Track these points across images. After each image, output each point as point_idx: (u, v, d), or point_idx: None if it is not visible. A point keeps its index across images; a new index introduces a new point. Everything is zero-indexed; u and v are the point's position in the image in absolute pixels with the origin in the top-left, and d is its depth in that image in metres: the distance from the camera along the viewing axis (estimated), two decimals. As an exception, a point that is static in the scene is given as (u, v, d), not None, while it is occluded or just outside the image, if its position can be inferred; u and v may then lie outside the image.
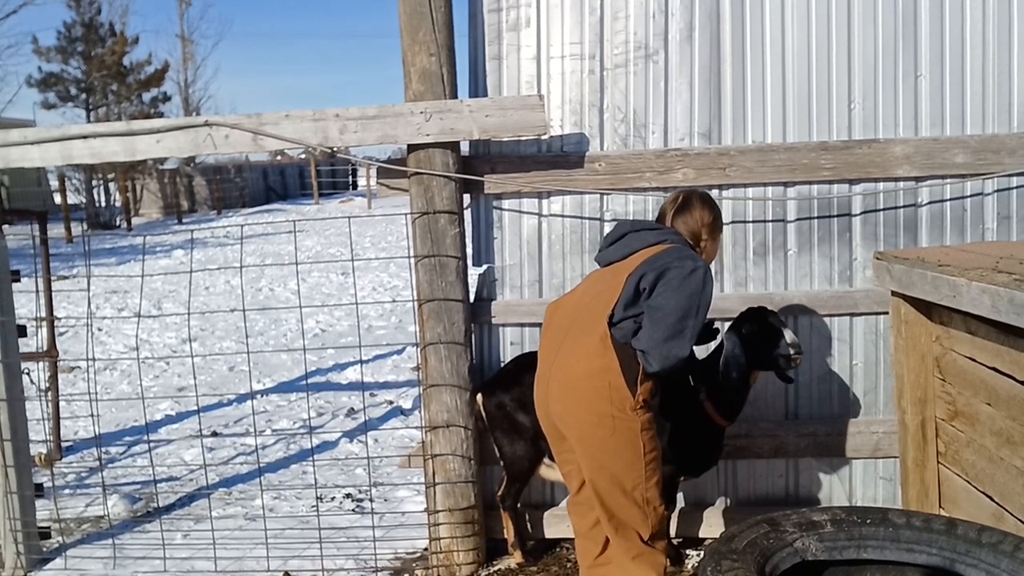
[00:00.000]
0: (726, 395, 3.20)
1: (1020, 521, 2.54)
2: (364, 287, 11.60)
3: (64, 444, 5.45)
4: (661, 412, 3.31)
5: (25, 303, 4.50)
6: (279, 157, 38.12)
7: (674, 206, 2.88)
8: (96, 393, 4.34)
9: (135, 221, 26.42)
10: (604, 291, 2.69)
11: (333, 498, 4.56)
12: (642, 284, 2.60)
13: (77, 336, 9.18)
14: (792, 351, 3.08)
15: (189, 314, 6.26)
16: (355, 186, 37.62)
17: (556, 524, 3.74)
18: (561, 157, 3.60)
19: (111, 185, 26.86)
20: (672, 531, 3.56)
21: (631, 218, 3.62)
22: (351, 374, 7.19)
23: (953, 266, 2.64)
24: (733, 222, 3.61)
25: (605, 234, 2.99)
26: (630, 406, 2.60)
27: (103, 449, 5.38)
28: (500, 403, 3.48)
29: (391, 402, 6.38)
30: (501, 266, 3.72)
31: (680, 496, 3.64)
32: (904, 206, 3.57)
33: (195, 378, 4.83)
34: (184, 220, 26.46)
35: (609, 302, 2.64)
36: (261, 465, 4.96)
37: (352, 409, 6.17)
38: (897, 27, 3.49)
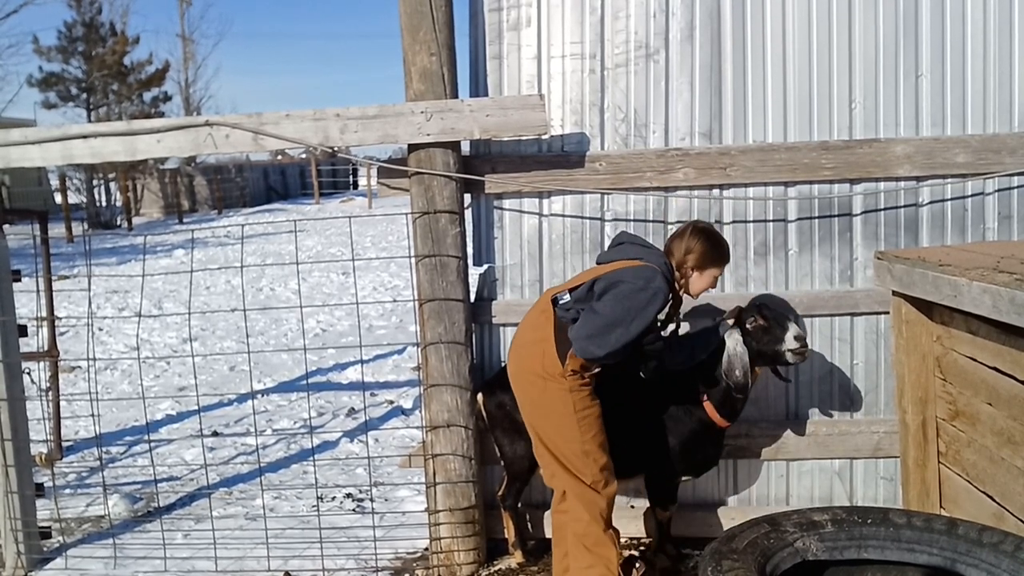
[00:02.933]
0: (731, 395, 3.18)
1: (1021, 521, 2.54)
2: (365, 287, 11.60)
3: (65, 444, 5.46)
4: (660, 413, 3.33)
5: (26, 303, 4.50)
6: (280, 157, 38.14)
7: (678, 229, 3.09)
8: (97, 393, 4.34)
9: (136, 221, 26.42)
10: (580, 279, 3.00)
11: (334, 498, 4.56)
12: (596, 286, 2.90)
13: (78, 336, 9.18)
14: (797, 344, 3.05)
15: (190, 314, 6.27)
16: (356, 186, 37.63)
17: (557, 524, 3.74)
18: (562, 157, 3.60)
19: (112, 185, 26.86)
20: (672, 531, 3.57)
21: (633, 219, 3.62)
22: (352, 374, 7.19)
23: (954, 266, 2.64)
24: (734, 222, 3.61)
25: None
26: (559, 372, 2.92)
27: (104, 449, 5.38)
28: (500, 403, 3.47)
29: (392, 402, 6.38)
30: (502, 266, 3.72)
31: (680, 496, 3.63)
32: (905, 206, 3.56)
33: (196, 378, 4.82)
34: (185, 220, 26.46)
35: (566, 289, 3.01)
36: (262, 465, 4.96)
37: (353, 409, 6.17)
38: (898, 26, 3.49)
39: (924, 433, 3.06)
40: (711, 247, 3.01)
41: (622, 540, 3.55)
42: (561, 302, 3.00)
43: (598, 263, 3.10)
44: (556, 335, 2.94)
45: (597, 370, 2.99)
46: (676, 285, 3.01)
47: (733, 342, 3.12)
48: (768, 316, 3.11)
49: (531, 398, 3.03)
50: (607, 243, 3.64)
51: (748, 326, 3.12)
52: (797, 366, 3.60)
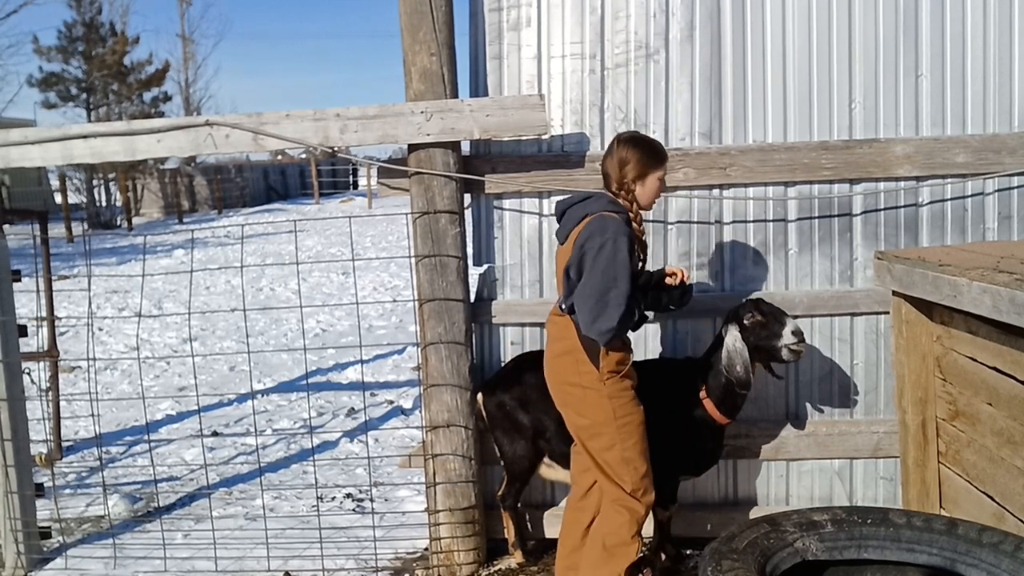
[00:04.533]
0: (732, 391, 3.19)
1: (1021, 521, 2.54)
2: (365, 287, 11.60)
3: (64, 444, 5.46)
4: (660, 411, 3.33)
5: (26, 303, 4.50)
6: (280, 157, 38.13)
7: (606, 150, 2.97)
8: (96, 393, 4.35)
9: (136, 221, 26.42)
10: (559, 277, 2.96)
11: (333, 498, 4.56)
12: (572, 273, 2.85)
13: (78, 336, 9.18)
14: (794, 340, 3.06)
15: (190, 314, 6.27)
16: (356, 186, 37.62)
17: (556, 523, 3.72)
18: (562, 157, 3.60)
19: (112, 185, 26.86)
20: (672, 531, 3.56)
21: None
22: (351, 374, 7.19)
23: (954, 266, 2.64)
24: (734, 222, 3.61)
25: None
26: (596, 378, 2.88)
27: (103, 449, 5.38)
28: (500, 403, 3.47)
29: (391, 402, 6.38)
30: (502, 266, 3.72)
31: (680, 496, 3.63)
32: (905, 206, 3.56)
33: (196, 378, 4.82)
34: (185, 220, 26.46)
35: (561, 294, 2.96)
36: (261, 465, 4.96)
37: (352, 409, 6.17)
38: (898, 26, 3.49)
39: (924, 433, 3.06)
40: (644, 150, 2.89)
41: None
42: (564, 306, 2.93)
43: (560, 242, 2.98)
44: (584, 342, 2.87)
45: (632, 359, 2.95)
46: (630, 216, 2.88)
47: (732, 338, 3.13)
48: (765, 311, 3.13)
49: (571, 405, 2.98)
50: (607, 243, 3.63)
51: (746, 321, 3.14)
52: (798, 366, 3.61)
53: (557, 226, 3.01)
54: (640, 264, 2.98)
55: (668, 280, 3.14)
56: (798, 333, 3.06)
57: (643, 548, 3.64)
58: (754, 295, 3.56)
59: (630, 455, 2.90)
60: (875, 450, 3.63)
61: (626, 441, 2.89)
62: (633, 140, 2.92)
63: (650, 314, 3.26)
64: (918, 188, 3.53)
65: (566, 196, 3.10)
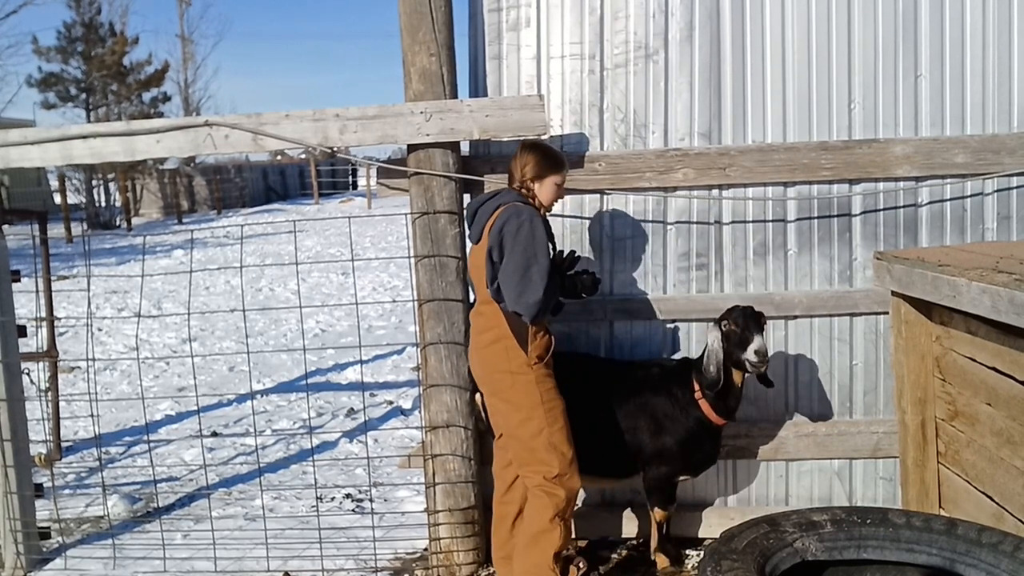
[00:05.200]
0: (712, 390, 3.21)
1: (1020, 521, 2.54)
2: (364, 287, 11.60)
3: (64, 444, 5.45)
4: (657, 412, 3.34)
5: (25, 303, 4.50)
6: (279, 157, 38.12)
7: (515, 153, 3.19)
8: (96, 393, 4.34)
9: (135, 221, 26.42)
10: (479, 269, 3.08)
11: (333, 498, 4.56)
12: (494, 257, 3.01)
13: (77, 336, 9.18)
14: (755, 358, 3.09)
15: (189, 314, 6.26)
16: (355, 186, 37.63)
17: (556, 524, 3.73)
18: (561, 157, 3.60)
19: (111, 185, 26.84)
20: (672, 531, 3.57)
21: (632, 219, 3.62)
22: (351, 374, 7.19)
23: (953, 266, 2.64)
24: (733, 222, 3.61)
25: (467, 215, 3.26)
26: (524, 363, 3.03)
27: (103, 449, 5.38)
28: (500, 403, 3.47)
29: (391, 402, 6.38)
30: (501, 266, 3.72)
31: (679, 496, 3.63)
32: (904, 206, 3.57)
33: (195, 378, 4.82)
34: (184, 220, 26.46)
35: (483, 279, 3.08)
36: (261, 465, 4.96)
37: (352, 409, 6.17)
38: (897, 27, 3.49)
39: (923, 433, 3.07)
40: (542, 155, 3.11)
41: (620, 538, 3.55)
42: (491, 289, 3.04)
43: (473, 242, 3.15)
44: (512, 327, 3.02)
45: (552, 348, 3.08)
46: (535, 207, 3.09)
47: (712, 339, 3.21)
48: (741, 322, 3.16)
49: (501, 395, 3.11)
50: (607, 242, 3.64)
51: (723, 328, 3.18)
52: (797, 366, 3.62)
53: (470, 227, 3.17)
54: (551, 253, 3.13)
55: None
56: (760, 352, 3.10)
57: (576, 545, 3.67)
58: (753, 296, 3.56)
59: (556, 440, 3.04)
60: (874, 450, 3.63)
61: (553, 426, 3.04)
62: (534, 145, 3.17)
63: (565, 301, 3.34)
64: (917, 188, 3.53)
65: (474, 200, 3.23)
